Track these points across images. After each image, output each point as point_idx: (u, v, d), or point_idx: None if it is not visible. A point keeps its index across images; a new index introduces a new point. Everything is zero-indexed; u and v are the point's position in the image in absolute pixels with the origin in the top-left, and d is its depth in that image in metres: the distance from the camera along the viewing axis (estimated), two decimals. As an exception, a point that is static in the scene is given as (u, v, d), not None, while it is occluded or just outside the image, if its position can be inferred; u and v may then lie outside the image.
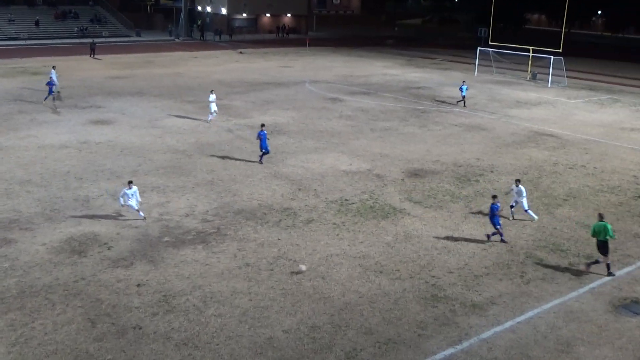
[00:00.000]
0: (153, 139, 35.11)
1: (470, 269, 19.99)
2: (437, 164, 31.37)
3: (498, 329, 16.63)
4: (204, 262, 20.07)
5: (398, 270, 19.83)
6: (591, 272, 19.84)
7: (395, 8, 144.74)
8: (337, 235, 22.44)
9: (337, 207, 25.05)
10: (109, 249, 20.92)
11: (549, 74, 58.03)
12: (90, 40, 74.92)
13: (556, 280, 19.42)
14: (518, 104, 48.42)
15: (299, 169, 29.80)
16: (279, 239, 21.96)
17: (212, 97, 38.88)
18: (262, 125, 31.27)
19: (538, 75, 60.67)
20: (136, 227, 22.65)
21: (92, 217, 23.62)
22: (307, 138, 35.78)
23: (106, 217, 23.64)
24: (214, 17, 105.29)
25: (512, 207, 24.12)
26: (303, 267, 19.24)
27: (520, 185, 23.76)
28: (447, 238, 22.38)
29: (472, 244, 21.87)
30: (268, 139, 30.95)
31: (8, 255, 20.28)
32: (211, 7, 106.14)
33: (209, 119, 39.08)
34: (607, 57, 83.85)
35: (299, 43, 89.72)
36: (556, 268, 20.24)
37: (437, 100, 48.80)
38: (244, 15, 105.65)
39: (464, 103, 45.89)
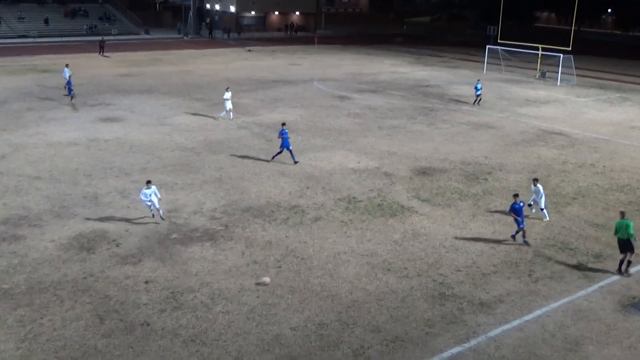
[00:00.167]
0: (161, 136, 35.19)
1: (478, 267, 19.94)
2: (445, 162, 31.31)
3: (506, 327, 16.59)
4: (211, 260, 20.11)
5: (406, 268, 19.81)
6: (604, 269, 19.79)
7: (403, 6, 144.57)
8: (345, 233, 22.43)
9: (345, 205, 25.04)
10: (117, 245, 20.99)
11: (558, 72, 57.79)
12: (99, 38, 75.14)
13: (565, 279, 19.35)
14: (527, 102, 48.25)
15: (307, 166, 29.80)
16: (286, 237, 21.98)
17: (227, 94, 38.92)
18: (283, 124, 30.92)
19: (547, 74, 60.45)
20: (145, 224, 22.72)
21: (100, 214, 23.71)
22: (315, 136, 35.77)
23: (115, 214, 23.72)
24: (223, 15, 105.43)
25: (530, 205, 23.96)
26: (267, 280, 18.50)
27: (538, 185, 23.63)
28: (455, 236, 22.34)
29: (480, 242, 21.82)
30: (289, 137, 30.37)
31: (17, 252, 20.40)
32: (220, 5, 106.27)
33: (221, 114, 39.16)
34: (617, 55, 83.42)
35: (308, 41, 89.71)
36: (565, 267, 20.17)
37: (454, 100, 48.66)
38: (253, 13, 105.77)
39: (479, 101, 45.68)
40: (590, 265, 20.27)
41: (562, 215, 24.57)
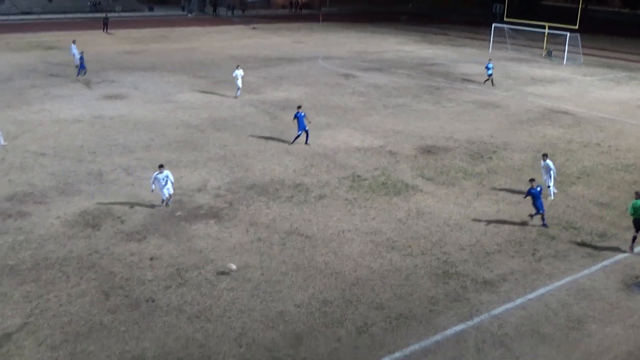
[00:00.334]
0: (166, 113, 35.14)
1: (482, 246, 19.98)
2: (450, 141, 31.23)
3: (509, 305, 16.66)
4: (216, 237, 20.17)
5: (410, 246, 19.85)
6: (608, 248, 19.81)
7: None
8: (349, 211, 22.46)
9: (350, 183, 25.04)
10: (122, 222, 21.06)
11: (564, 51, 57.36)
12: (103, 15, 74.74)
13: (568, 257, 19.38)
14: (533, 81, 47.98)
15: (312, 144, 29.73)
16: (291, 214, 22.01)
17: (237, 72, 38.75)
18: (299, 106, 30.29)
19: (554, 52, 60.00)
20: (149, 201, 22.77)
21: (105, 191, 23.76)
22: (320, 114, 35.66)
23: (119, 191, 23.77)
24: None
25: (549, 186, 23.79)
26: (233, 266, 17.85)
27: (547, 160, 23.47)
28: (459, 215, 22.34)
29: (484, 221, 21.83)
30: (306, 119, 29.75)
31: (23, 228, 20.49)
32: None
33: (238, 94, 39.00)
34: (624, 34, 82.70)
35: (312, 19, 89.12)
36: (569, 246, 20.18)
37: (459, 79, 48.41)
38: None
39: (492, 81, 45.21)
40: (594, 244, 20.29)
41: (567, 194, 24.53)
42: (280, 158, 27.91)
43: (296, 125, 29.57)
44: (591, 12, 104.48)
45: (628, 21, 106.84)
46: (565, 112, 37.87)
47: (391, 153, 29.05)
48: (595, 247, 20.10)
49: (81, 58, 44.06)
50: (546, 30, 59.93)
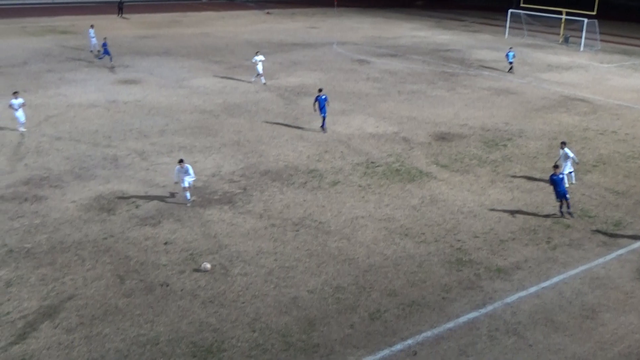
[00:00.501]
0: (180, 99, 35.20)
1: (496, 234, 19.91)
2: (465, 128, 31.07)
3: (523, 293, 16.62)
4: (230, 222, 20.24)
5: (423, 233, 19.83)
6: (623, 237, 19.69)
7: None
8: (363, 197, 22.45)
9: (363, 170, 25.01)
10: (137, 207, 21.18)
11: (581, 37, 56.72)
12: (118, -1, 74.80)
13: (583, 246, 19.28)
14: (549, 67, 47.53)
15: (327, 130, 29.66)
16: (304, 200, 22.04)
17: (257, 58, 38.69)
18: (320, 90, 29.87)
19: (570, 39, 59.35)
20: (163, 187, 22.87)
21: (120, 175, 23.89)
22: (334, 100, 35.51)
23: (134, 175, 23.89)
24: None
25: (570, 173, 23.52)
26: (208, 266, 17.31)
27: (566, 148, 23.25)
28: (474, 202, 22.27)
29: (499, 209, 21.74)
30: (328, 103, 29.53)
31: (39, 212, 20.67)
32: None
33: (263, 81, 38.98)
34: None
35: (327, 3, 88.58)
36: (583, 234, 20.07)
37: (475, 65, 48.05)
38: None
39: (512, 69, 44.67)
40: (609, 233, 20.16)
41: (582, 182, 24.36)
42: (294, 144, 27.91)
43: (317, 110, 29.43)
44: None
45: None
46: (582, 100, 37.52)
47: (405, 140, 28.96)
48: (610, 236, 19.98)
49: (104, 44, 44.18)
50: (563, 17, 59.27)
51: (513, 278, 17.36)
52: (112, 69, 42.52)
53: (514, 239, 19.63)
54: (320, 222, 20.37)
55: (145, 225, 19.90)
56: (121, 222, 20.10)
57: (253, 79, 39.06)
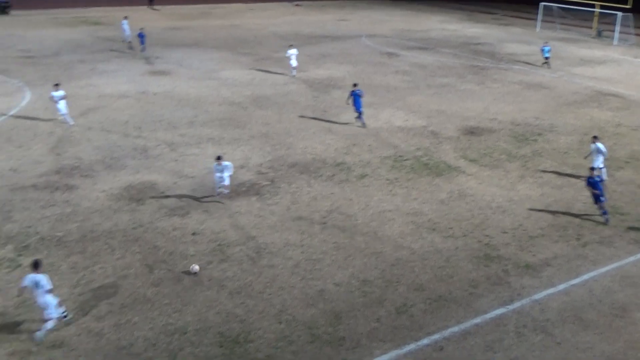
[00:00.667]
0: (209, 90, 35.40)
1: (524, 230, 19.71)
2: (495, 122, 30.77)
3: (551, 290, 16.44)
4: (257, 214, 20.33)
5: (451, 228, 19.71)
6: (651, 237, 19.36)
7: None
8: (391, 191, 22.38)
9: (391, 163, 24.92)
10: (165, 197, 21.38)
11: (615, 31, 55.74)
12: (149, -10, 75.29)
13: (614, 244, 18.99)
14: (582, 62, 46.80)
15: (354, 123, 29.61)
16: (332, 193, 22.04)
17: (291, 52, 38.74)
18: (355, 84, 29.60)
19: (604, 33, 58.36)
20: (192, 177, 23.05)
21: (149, 166, 24.12)
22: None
23: (163, 166, 24.10)
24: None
25: (601, 168, 22.97)
26: (196, 267, 16.83)
27: (598, 143, 22.82)
28: (502, 197, 22.06)
29: (528, 205, 21.51)
30: (361, 97, 29.08)
31: (70, 201, 20.97)
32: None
33: (293, 73, 39.02)
34: (678, 15, 79.85)
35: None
36: (614, 231, 19.76)
37: (512, 60, 47.52)
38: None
39: (548, 64, 43.98)
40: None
41: (614, 179, 23.98)
42: (322, 136, 27.90)
43: (351, 105, 29.23)
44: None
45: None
46: (615, 95, 36.90)
47: (434, 133, 28.78)
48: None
49: (141, 35, 44.59)
50: (597, 10, 58.30)
51: (542, 275, 17.18)
52: (148, 59, 42.90)
53: (543, 235, 19.42)
54: (347, 215, 20.37)
55: (174, 215, 20.08)
56: (150, 212, 20.30)
57: (293, 74, 39.01)
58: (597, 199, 20.29)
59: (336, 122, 29.83)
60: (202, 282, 16.43)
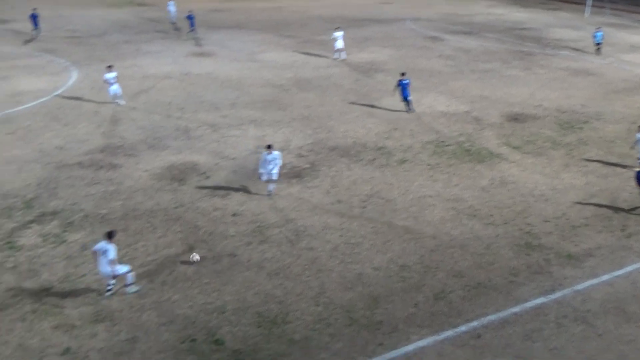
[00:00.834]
0: (251, 72, 35.52)
1: (568, 219, 19.36)
2: (539, 109, 30.20)
3: (594, 281, 16.14)
4: (297, 196, 20.39)
5: (492, 215, 19.47)
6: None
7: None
8: (431, 176, 22.20)
9: (433, 149, 24.70)
10: (207, 178, 21.59)
11: (668, 17, 54.07)
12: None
13: (660, 235, 18.54)
14: (632, 48, 45.50)
15: (396, 108, 29.39)
16: (372, 177, 21.96)
17: (337, 34, 38.55)
18: (403, 74, 29.14)
19: (656, 18, 56.67)
20: (233, 159, 23.21)
21: (191, 146, 24.37)
22: (405, 77, 35.15)
23: (205, 147, 24.32)
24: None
25: None
26: (197, 257, 16.53)
27: None
28: (545, 186, 21.68)
29: (572, 194, 21.11)
30: (409, 88, 28.71)
31: (113, 180, 21.34)
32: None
33: (342, 57, 38.84)
34: None
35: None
36: (661, 223, 19.29)
37: (559, 45, 46.54)
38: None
39: (599, 50, 42.79)
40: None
41: (663, 169, 23.36)
42: (363, 120, 27.79)
43: (397, 94, 28.91)
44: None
45: None
46: (666, 83, 35.85)
47: (477, 119, 28.40)
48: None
49: (190, 17, 44.93)
50: (649, -5, 56.54)
51: (584, 265, 16.88)
52: (197, 40, 43.25)
53: (587, 225, 19.05)
54: (387, 200, 20.29)
55: (215, 196, 20.28)
56: (191, 192, 20.54)
57: (341, 57, 38.83)
58: None
59: (378, 106, 29.65)
60: (242, 262, 16.58)
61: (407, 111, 28.73)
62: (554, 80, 35.74)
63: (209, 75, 34.66)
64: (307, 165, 22.87)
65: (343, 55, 38.81)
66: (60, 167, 22.33)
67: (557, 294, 15.57)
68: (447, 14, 58.79)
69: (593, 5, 60.59)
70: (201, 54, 39.47)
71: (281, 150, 23.89)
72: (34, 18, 44.14)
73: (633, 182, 20.92)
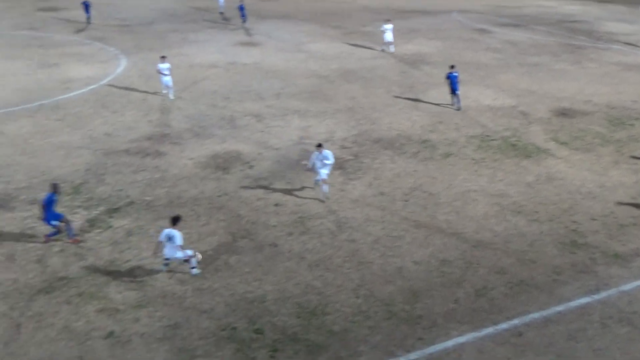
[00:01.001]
0: (297, 63, 35.59)
1: (615, 218, 18.93)
2: (589, 104, 29.53)
3: (641, 282, 15.80)
4: (340, 188, 20.40)
5: (537, 212, 19.16)
6: None
7: None
8: (476, 171, 21.94)
9: (478, 143, 24.40)
10: (250, 167, 21.75)
11: None
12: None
13: None
14: (688, 43, 44.11)
15: (441, 101, 29.10)
16: (415, 171, 21.82)
17: (386, 26, 38.34)
18: (452, 66, 28.51)
19: None
20: (277, 149, 23.33)
21: (236, 136, 24.57)
22: (451, 70, 34.75)
23: (250, 137, 24.50)
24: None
25: None
26: (199, 256, 15.87)
27: None
28: (593, 183, 21.23)
29: (621, 192, 20.61)
30: (459, 81, 28.11)
31: (159, 167, 21.67)
32: None
33: (390, 50, 38.61)
34: None
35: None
36: None
37: (611, 39, 45.45)
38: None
39: None
40: None
41: None
42: (408, 113, 27.60)
43: (447, 86, 28.48)
44: None
45: None
46: None
47: (523, 114, 27.93)
48: None
49: (241, 7, 45.30)
50: None
51: (632, 265, 16.49)
52: (248, 30, 43.55)
53: (635, 224, 18.59)
54: (430, 194, 20.14)
55: (258, 186, 20.42)
56: (235, 181, 20.73)
57: (382, 48, 38.66)
58: None
59: (423, 99, 29.41)
60: (283, 253, 16.68)
61: (453, 105, 28.31)
62: (605, 75, 34.89)
63: (255, 65, 34.86)
64: (350, 157, 22.85)
65: (391, 49, 38.52)
66: (107, 153, 22.78)
67: (602, 294, 15.25)
68: (495, 6, 57.85)
69: (648, -2, 58.85)
70: (248, 44, 39.71)
71: (325, 141, 23.92)
72: (86, 6, 45.04)
73: (685, 182, 20.38)
